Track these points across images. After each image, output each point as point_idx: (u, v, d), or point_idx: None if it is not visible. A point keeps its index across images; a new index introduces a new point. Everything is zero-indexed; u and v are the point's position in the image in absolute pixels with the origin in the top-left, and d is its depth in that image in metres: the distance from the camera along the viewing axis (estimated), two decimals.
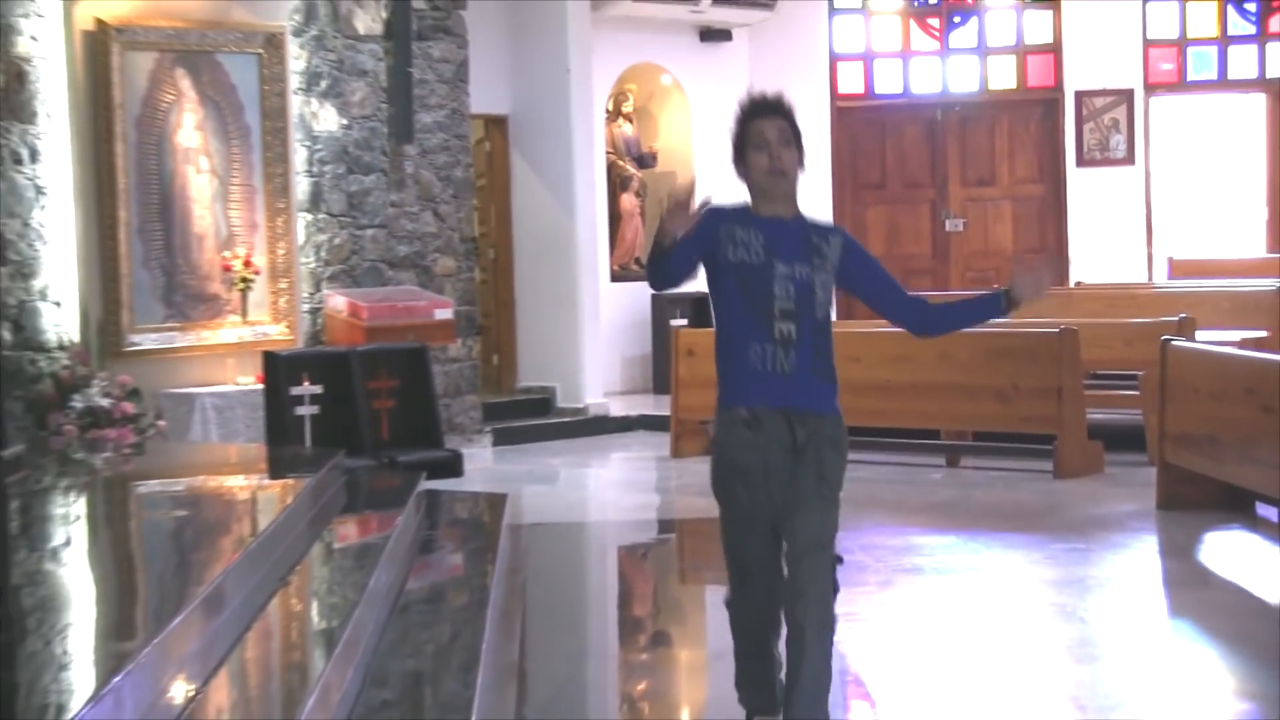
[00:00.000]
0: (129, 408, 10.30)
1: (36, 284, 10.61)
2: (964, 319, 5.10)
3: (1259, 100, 17.51)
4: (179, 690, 4.32)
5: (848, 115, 17.07)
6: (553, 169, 14.28)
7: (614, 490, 11.89)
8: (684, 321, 14.97)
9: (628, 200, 15.87)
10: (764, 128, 4.91)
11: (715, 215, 4.91)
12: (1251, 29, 17.43)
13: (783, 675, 4.87)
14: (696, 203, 4.83)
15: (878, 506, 9.44)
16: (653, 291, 5.18)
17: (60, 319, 10.69)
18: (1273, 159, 17.47)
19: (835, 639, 4.76)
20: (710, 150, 16.07)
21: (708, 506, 10.96)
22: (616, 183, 15.76)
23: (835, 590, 4.77)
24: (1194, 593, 7.85)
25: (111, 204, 10.79)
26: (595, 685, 6.70)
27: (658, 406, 13.96)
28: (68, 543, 6.58)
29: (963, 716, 5.82)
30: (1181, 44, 17.40)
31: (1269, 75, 17.42)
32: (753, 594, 4.90)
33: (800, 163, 4.94)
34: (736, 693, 5.14)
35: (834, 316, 4.88)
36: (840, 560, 4.82)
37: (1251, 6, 17.40)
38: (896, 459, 11.38)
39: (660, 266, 4.86)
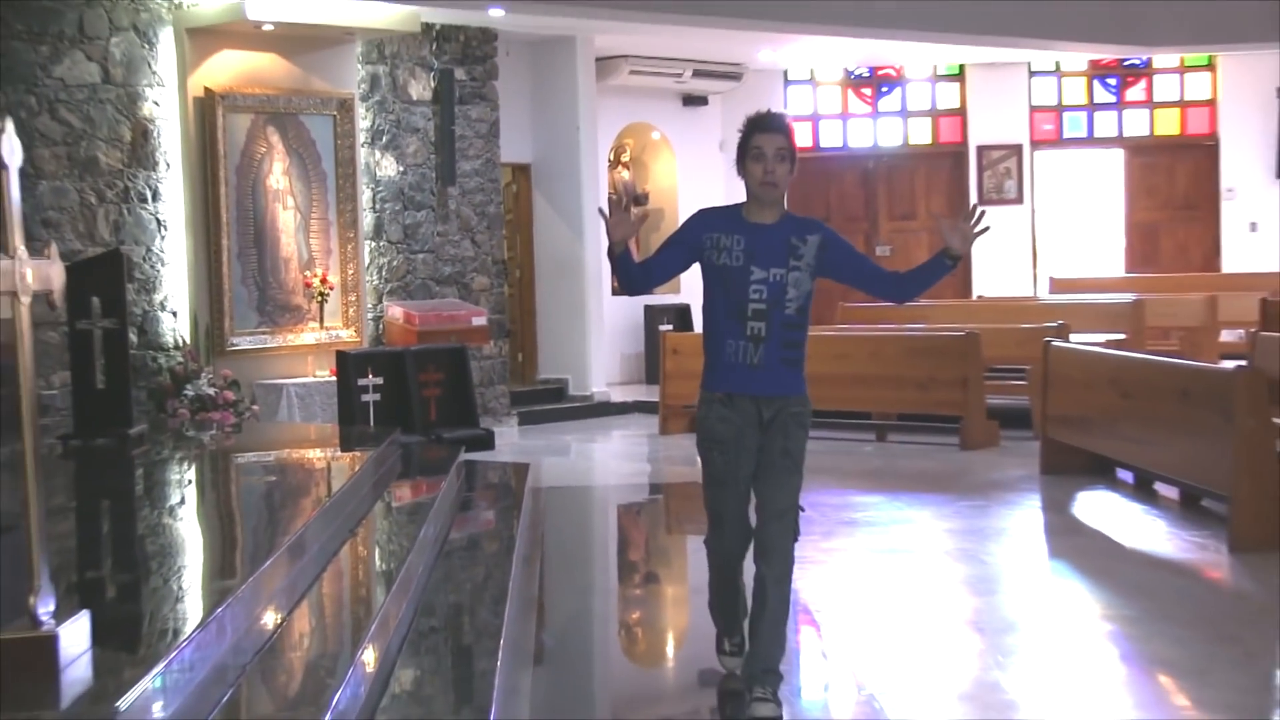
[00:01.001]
0: (230, 395, 10.29)
1: (157, 297, 10.60)
2: (926, 280, 4.76)
3: (1118, 154, 17.52)
4: (269, 619, 4.31)
5: (800, 164, 16.97)
6: (566, 206, 14.26)
7: (614, 460, 11.88)
8: (670, 326, 14.96)
9: None
10: (763, 142, 4.69)
11: (703, 223, 4.73)
12: (1113, 98, 17.45)
13: (749, 608, 4.86)
14: (633, 211, 4.66)
15: (822, 473, 9.43)
16: (625, 295, 4.83)
17: (176, 325, 10.68)
18: (1129, 200, 17.50)
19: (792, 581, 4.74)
20: (691, 190, 16.07)
21: (689, 473, 11.03)
22: None
23: (796, 536, 4.70)
24: (1068, 539, 7.86)
25: (216, 234, 10.76)
26: (599, 615, 6.70)
27: (649, 394, 13.96)
28: (181, 502, 6.57)
29: (889, 637, 5.82)
30: (1059, 109, 17.40)
31: (1126, 134, 17.45)
32: (726, 536, 4.85)
33: (791, 172, 4.72)
34: (710, 613, 5.15)
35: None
36: (803, 509, 4.76)
37: (1113, 81, 17.44)
38: (837, 435, 11.38)
39: (619, 275, 4.74)
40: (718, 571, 4.98)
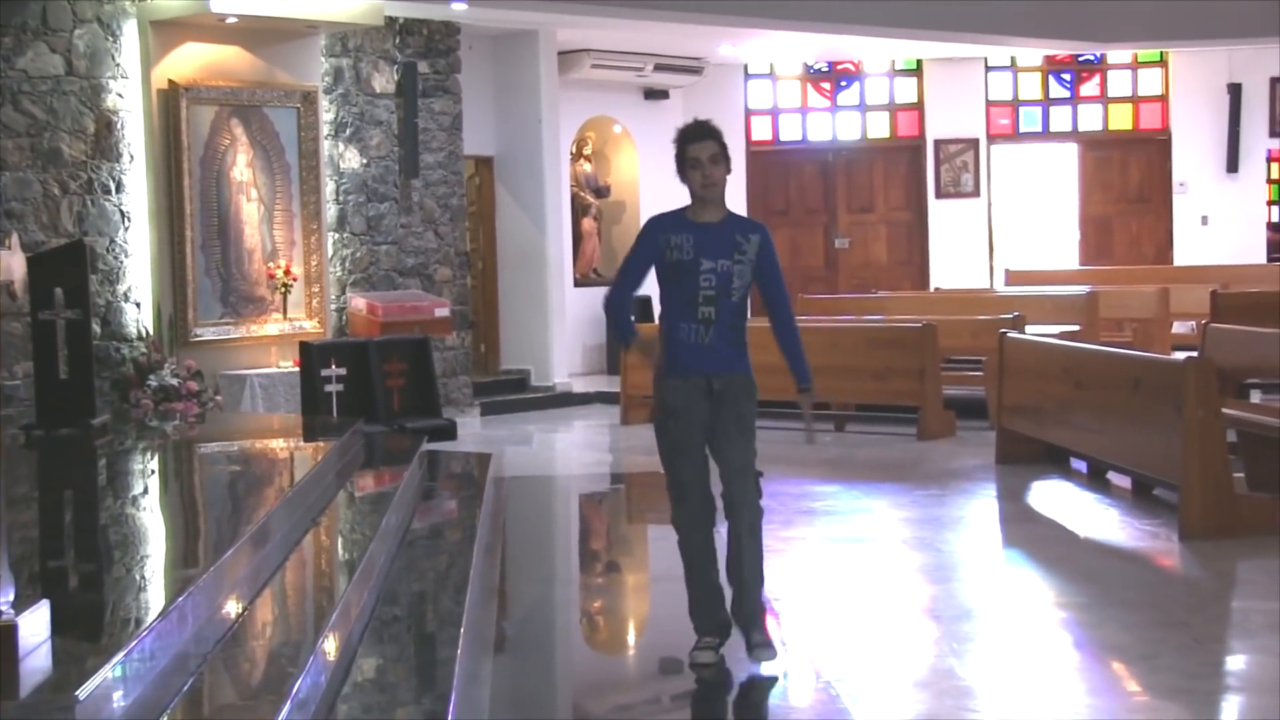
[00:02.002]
0: (193, 386, 10.22)
1: (120, 288, 10.52)
2: (785, 354, 5.26)
3: (1072, 149, 17.62)
4: (232, 607, 4.29)
5: (759, 158, 17.06)
6: (529, 198, 14.22)
7: (576, 450, 11.87)
8: (632, 318, 14.94)
9: (587, 223, 15.81)
10: (697, 152, 5.08)
11: (657, 229, 5.13)
12: (1067, 94, 17.54)
13: (729, 603, 5.10)
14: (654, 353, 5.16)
15: (780, 462, 9.43)
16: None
17: (139, 316, 10.60)
18: (1083, 193, 17.61)
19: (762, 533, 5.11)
20: (652, 183, 16.05)
21: (650, 463, 10.99)
22: (578, 209, 15.70)
23: (760, 494, 5.06)
24: (1023, 527, 7.90)
25: (180, 225, 10.67)
26: (560, 603, 6.67)
27: (610, 385, 13.94)
28: (144, 491, 6.53)
29: (847, 626, 5.84)
30: (1015, 104, 17.48)
31: (1080, 129, 17.56)
32: (691, 508, 5.08)
33: (728, 169, 5.11)
34: (690, 619, 5.19)
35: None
36: (761, 474, 5.06)
37: (1067, 76, 17.53)
38: (796, 426, 11.34)
39: (620, 324, 5.27)
40: (689, 559, 5.17)
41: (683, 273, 5.02)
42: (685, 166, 5.11)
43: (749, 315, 5.22)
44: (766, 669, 5.05)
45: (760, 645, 5.05)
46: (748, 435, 5.04)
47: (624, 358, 12.34)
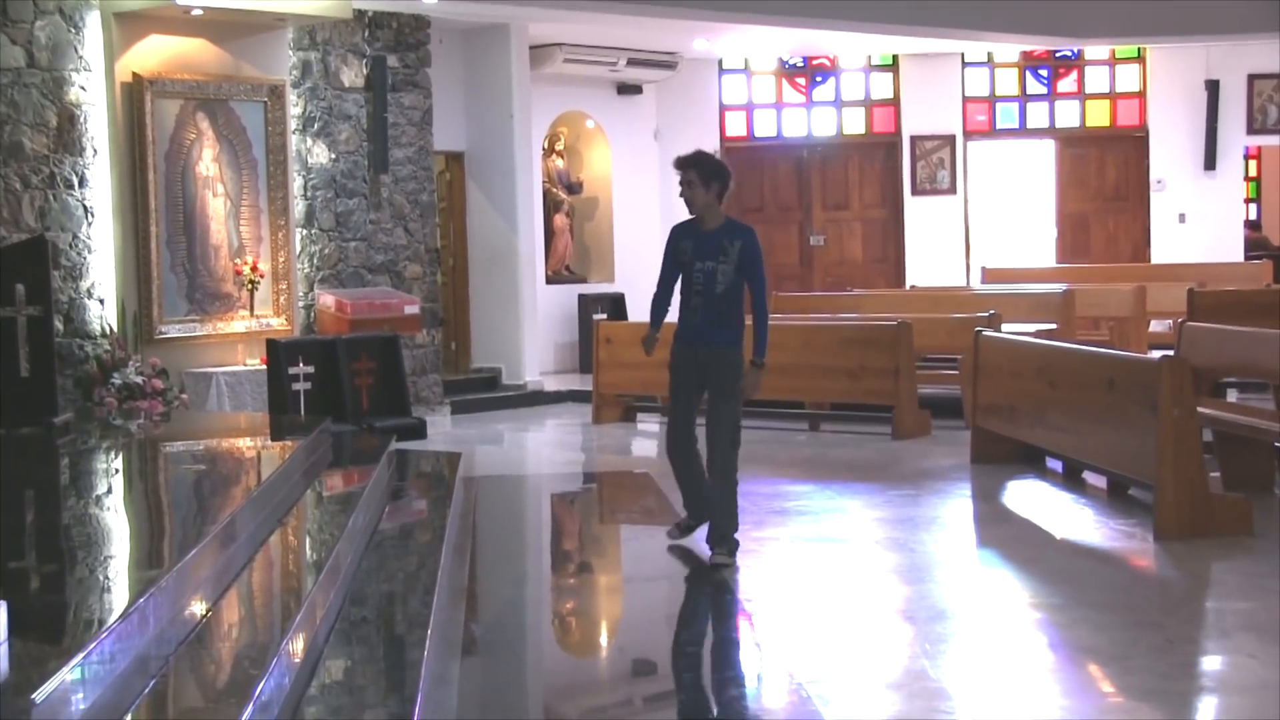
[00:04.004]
0: (158, 384, 10.18)
1: (84, 284, 10.46)
2: (753, 334, 6.80)
3: (1049, 145, 17.70)
4: (196, 608, 4.28)
5: (734, 154, 17.07)
6: (500, 194, 14.21)
7: (548, 449, 11.88)
8: (604, 316, 14.96)
9: (560, 219, 15.80)
10: (681, 180, 6.73)
11: (675, 236, 6.84)
12: (1044, 89, 17.63)
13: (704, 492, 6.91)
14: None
15: (754, 462, 9.43)
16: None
17: (103, 313, 10.54)
18: (1060, 191, 17.69)
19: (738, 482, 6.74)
20: (625, 179, 16.09)
21: (623, 462, 11.05)
22: (551, 205, 15.69)
23: (737, 444, 6.74)
24: (998, 528, 7.93)
25: (145, 220, 10.63)
26: (532, 604, 6.68)
27: (583, 383, 13.95)
28: (108, 491, 6.50)
29: (820, 627, 5.85)
30: (991, 100, 17.56)
31: (1057, 125, 17.64)
32: (674, 431, 6.91)
33: (711, 190, 6.68)
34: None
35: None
36: (738, 425, 6.77)
37: (1044, 72, 17.61)
38: (770, 425, 11.43)
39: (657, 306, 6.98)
40: (673, 466, 6.98)
41: (686, 269, 6.75)
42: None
43: (741, 304, 6.71)
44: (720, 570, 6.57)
45: (718, 556, 6.71)
46: (727, 396, 6.71)
47: (596, 354, 12.35)
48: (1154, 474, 7.25)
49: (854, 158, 17.48)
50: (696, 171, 6.66)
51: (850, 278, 16.90)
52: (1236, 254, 17.07)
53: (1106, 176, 17.60)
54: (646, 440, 12.00)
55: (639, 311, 15.46)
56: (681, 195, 6.78)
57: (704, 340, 6.74)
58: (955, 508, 8.45)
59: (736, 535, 6.80)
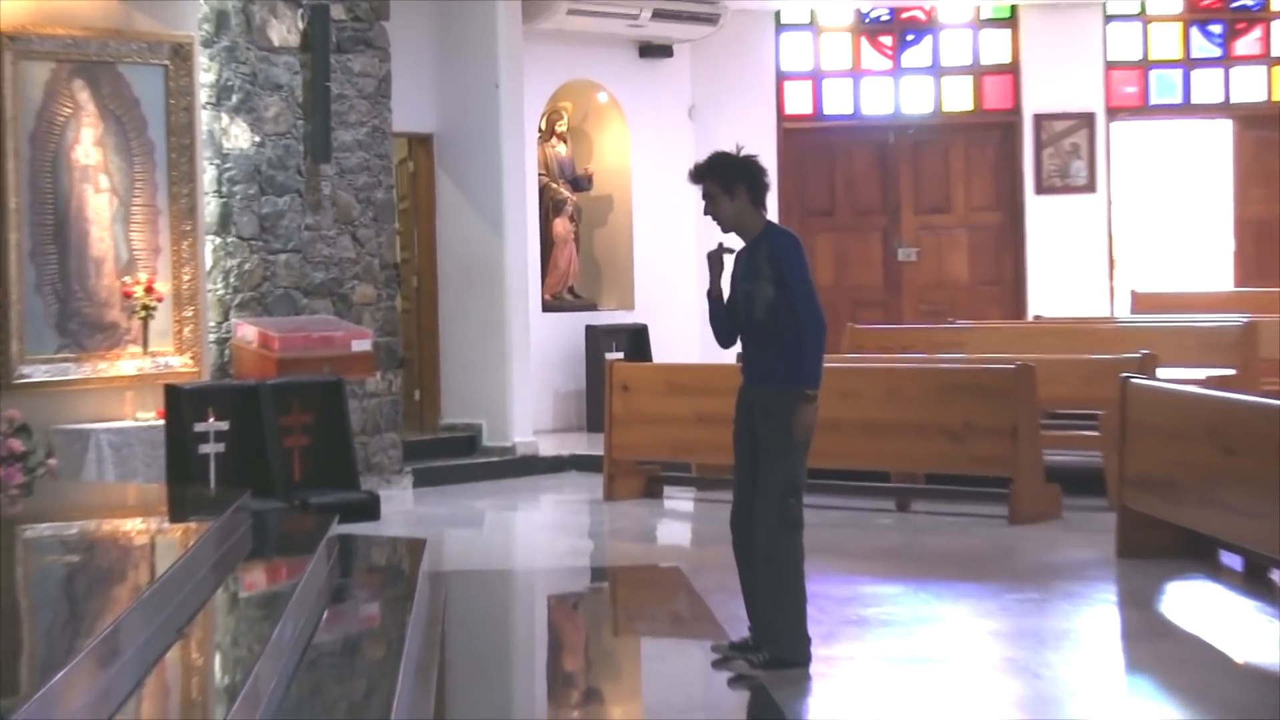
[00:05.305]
0: (16, 445, 10.15)
1: None
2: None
3: (1225, 126, 17.68)
4: None
5: (795, 137, 17.11)
6: (481, 191, 14.25)
7: (543, 535, 11.84)
8: (620, 355, 14.96)
9: (561, 225, 15.83)
10: (703, 197, 7.07)
11: (738, 254, 7.13)
12: (1216, 51, 17.62)
13: None
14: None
15: (821, 553, 9.37)
16: (723, 346, 7.47)
17: None
18: (1239, 188, 17.62)
19: (800, 574, 6.91)
20: (649, 171, 16.09)
21: (643, 553, 11.03)
22: (549, 207, 15.73)
23: (789, 519, 6.87)
24: (1154, 646, 7.87)
25: (1, 225, 10.67)
26: None
27: (591, 445, 13.92)
28: None
29: None
30: (1144, 66, 17.57)
31: (1234, 100, 17.61)
32: (735, 493, 7.14)
33: (738, 196, 7.01)
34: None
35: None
36: (794, 499, 6.91)
37: (1216, 29, 17.60)
38: (842, 502, 11.36)
39: (719, 322, 7.17)
40: (732, 523, 7.15)
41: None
42: None
43: (786, 327, 6.96)
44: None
45: (738, 669, 6.89)
46: (772, 454, 6.92)
47: (609, 407, 12.34)
48: None
49: (957, 144, 17.49)
50: (714, 180, 7.02)
51: (952, 305, 16.87)
52: None
53: None
54: (677, 523, 11.96)
55: (667, 349, 15.47)
56: (707, 214, 7.12)
57: (750, 378, 7.10)
58: (1095, 618, 8.40)
59: (787, 645, 6.84)
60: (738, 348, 7.32)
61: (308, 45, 12.37)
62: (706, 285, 7.23)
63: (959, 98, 17.52)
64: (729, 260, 7.08)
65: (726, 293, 7.14)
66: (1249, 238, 17.66)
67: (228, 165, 12.02)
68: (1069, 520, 10.80)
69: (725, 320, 7.15)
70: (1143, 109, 17.59)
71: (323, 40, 12.38)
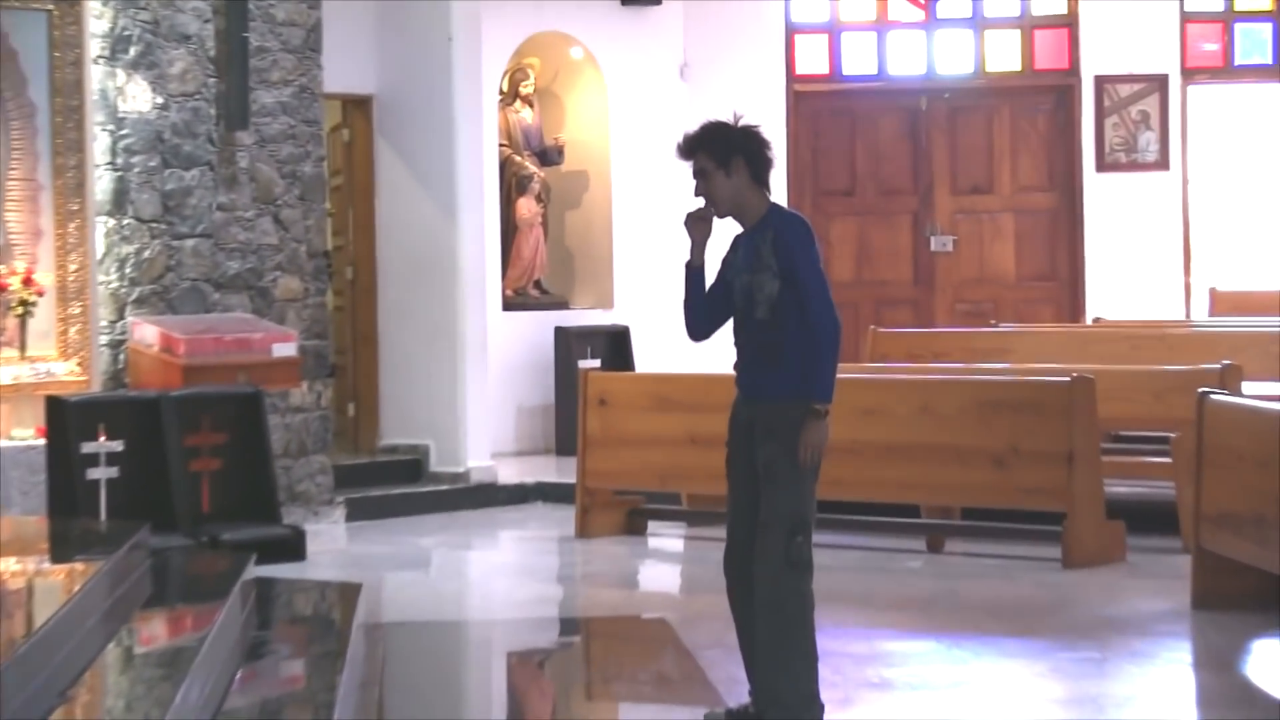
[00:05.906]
0: None
1: None
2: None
3: None
4: None
5: (808, 102, 17.12)
6: (430, 165, 14.26)
7: (503, 579, 11.84)
8: (596, 363, 14.95)
9: (526, 206, 15.83)
10: (694, 175, 6.95)
11: (734, 241, 7.01)
12: None
13: None
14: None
15: (839, 602, 9.40)
16: (694, 339, 7.26)
17: None
18: None
19: (809, 627, 6.77)
20: (632, 140, 16.10)
21: (623, 601, 11.02)
22: (512, 184, 15.75)
23: (805, 569, 6.77)
24: (1235, 714, 7.89)
25: None
26: None
27: (561, 472, 13.94)
28: None
29: None
30: (1228, 19, 17.61)
31: None
32: (729, 529, 7.07)
33: (736, 171, 6.90)
34: None
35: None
36: (800, 536, 6.76)
37: None
38: (864, 541, 11.38)
39: (690, 306, 7.01)
40: (725, 565, 7.08)
41: (731, 289, 6.99)
42: None
43: (792, 330, 6.85)
44: None
45: None
46: (775, 482, 6.83)
47: (583, 425, 12.34)
48: None
49: (1003, 111, 17.52)
50: (707, 154, 6.91)
51: (996, 304, 16.91)
52: None
53: None
54: (663, 565, 11.96)
55: (652, 356, 15.47)
56: (698, 195, 6.98)
57: (749, 389, 7.00)
58: (1166, 680, 8.42)
59: (794, 712, 6.75)
60: (737, 344, 7.05)
61: None
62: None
63: (1005, 56, 17.56)
64: (719, 227, 6.97)
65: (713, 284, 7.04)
66: None
67: (124, 132, 12.01)
68: (1134, 564, 10.82)
69: (702, 304, 7.04)
70: (1226, 70, 17.63)
71: None
